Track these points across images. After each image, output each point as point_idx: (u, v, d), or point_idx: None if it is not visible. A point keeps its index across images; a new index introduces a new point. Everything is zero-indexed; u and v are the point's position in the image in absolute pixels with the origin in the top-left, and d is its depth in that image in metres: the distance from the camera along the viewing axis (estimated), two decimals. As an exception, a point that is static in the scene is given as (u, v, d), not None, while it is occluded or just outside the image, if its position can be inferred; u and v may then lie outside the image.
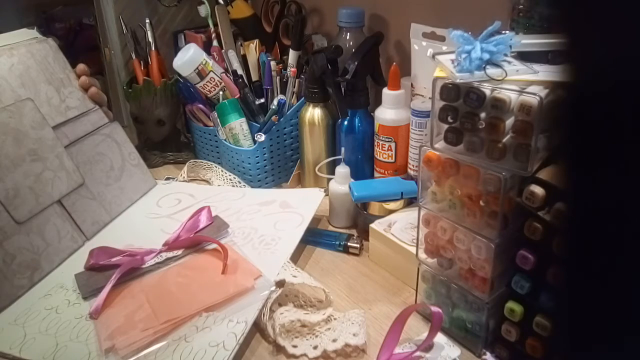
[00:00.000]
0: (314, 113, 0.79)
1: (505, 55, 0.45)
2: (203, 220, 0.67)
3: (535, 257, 0.44)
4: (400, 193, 0.68)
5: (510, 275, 0.47)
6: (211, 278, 0.58)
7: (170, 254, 0.63)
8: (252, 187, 0.82)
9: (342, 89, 0.76)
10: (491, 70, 0.43)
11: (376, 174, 0.77)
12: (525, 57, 0.46)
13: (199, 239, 0.64)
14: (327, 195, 0.75)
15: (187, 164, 0.89)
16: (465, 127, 0.45)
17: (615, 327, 0.21)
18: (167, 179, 0.86)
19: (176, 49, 0.95)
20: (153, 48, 0.90)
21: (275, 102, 0.81)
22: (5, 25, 0.75)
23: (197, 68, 0.82)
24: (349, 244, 0.68)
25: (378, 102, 0.74)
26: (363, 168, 0.78)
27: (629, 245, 0.19)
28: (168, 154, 0.95)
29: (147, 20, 0.89)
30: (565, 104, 0.21)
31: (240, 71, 0.87)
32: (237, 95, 0.83)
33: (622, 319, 0.20)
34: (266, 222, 0.69)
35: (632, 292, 0.20)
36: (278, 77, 0.84)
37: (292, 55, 0.84)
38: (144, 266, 0.61)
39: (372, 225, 0.65)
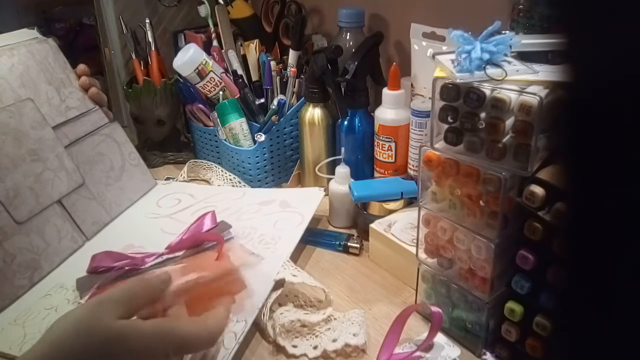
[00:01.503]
0: (314, 113, 0.79)
1: (505, 55, 0.45)
2: (207, 224, 0.67)
3: (535, 257, 0.44)
4: (400, 193, 0.68)
5: (510, 275, 0.47)
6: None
7: (170, 255, 0.63)
8: (252, 187, 0.82)
9: (342, 89, 0.76)
10: (491, 70, 0.43)
11: (376, 174, 0.77)
12: (525, 57, 0.46)
13: (199, 237, 0.64)
14: (327, 195, 0.75)
15: (187, 164, 0.89)
16: (465, 127, 0.45)
17: (615, 327, 0.21)
18: (167, 179, 0.86)
19: (176, 49, 0.95)
20: (153, 48, 0.90)
21: (275, 102, 0.81)
22: (5, 25, 0.76)
23: (197, 68, 0.82)
24: (349, 244, 0.68)
25: (378, 102, 0.74)
26: (363, 168, 0.78)
27: (629, 245, 0.19)
28: (168, 154, 0.95)
29: (147, 20, 0.89)
30: (565, 104, 0.21)
31: (240, 71, 0.87)
32: (237, 95, 0.83)
33: (622, 319, 0.20)
34: (266, 221, 0.69)
35: (633, 292, 0.20)
36: (278, 77, 0.84)
37: (292, 55, 0.84)
38: (144, 266, 0.61)
39: (372, 225, 0.65)
